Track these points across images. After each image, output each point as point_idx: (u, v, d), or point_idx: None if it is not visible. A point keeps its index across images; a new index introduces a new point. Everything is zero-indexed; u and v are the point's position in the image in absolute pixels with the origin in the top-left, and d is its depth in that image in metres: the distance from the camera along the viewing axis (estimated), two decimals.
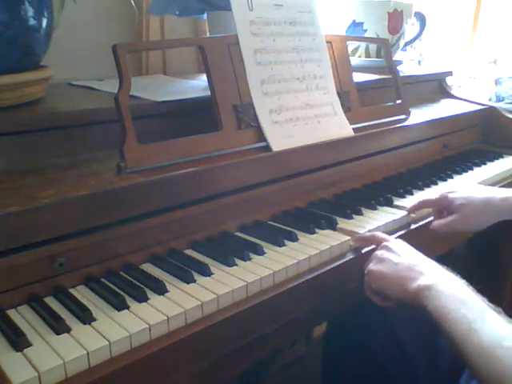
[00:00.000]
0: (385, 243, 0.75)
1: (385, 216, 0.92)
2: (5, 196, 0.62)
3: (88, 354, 0.53)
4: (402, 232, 0.90)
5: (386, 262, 0.71)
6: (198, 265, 0.71)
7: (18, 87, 0.76)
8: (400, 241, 0.76)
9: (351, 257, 0.79)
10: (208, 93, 0.85)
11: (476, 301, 0.60)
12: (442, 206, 0.89)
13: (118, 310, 0.61)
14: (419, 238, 0.89)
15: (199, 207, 0.77)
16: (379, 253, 0.73)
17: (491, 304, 0.60)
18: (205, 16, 1.17)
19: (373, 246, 0.80)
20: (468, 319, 0.57)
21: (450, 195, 0.87)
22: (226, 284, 0.67)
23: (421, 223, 0.94)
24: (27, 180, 0.67)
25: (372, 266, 0.73)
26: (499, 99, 1.76)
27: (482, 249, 1.43)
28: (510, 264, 1.43)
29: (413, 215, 0.93)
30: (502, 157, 1.36)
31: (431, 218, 0.93)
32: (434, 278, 0.64)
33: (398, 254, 0.71)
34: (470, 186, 0.91)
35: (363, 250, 0.81)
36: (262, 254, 0.76)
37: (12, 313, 0.61)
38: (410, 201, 0.99)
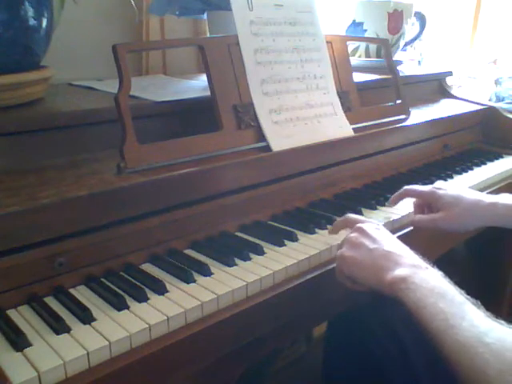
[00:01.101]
0: (359, 225, 0.72)
1: (385, 216, 0.92)
2: (5, 196, 0.62)
3: (88, 354, 0.53)
4: (402, 232, 0.90)
5: (360, 247, 0.67)
6: (198, 265, 0.71)
7: (18, 87, 0.76)
8: (375, 223, 0.74)
9: None
10: (208, 93, 0.85)
11: (454, 294, 0.58)
12: (427, 201, 0.87)
13: (118, 310, 0.61)
14: (418, 239, 0.89)
15: (199, 207, 0.77)
16: (353, 236, 0.70)
17: (469, 297, 0.58)
18: (205, 16, 1.17)
19: None
20: (446, 314, 0.55)
21: (439, 192, 0.85)
22: (225, 284, 0.67)
23: None
24: (27, 180, 0.67)
25: (345, 251, 0.69)
26: (499, 99, 1.76)
27: (481, 249, 1.43)
28: (511, 264, 1.43)
29: (395, 206, 0.92)
30: (502, 157, 1.36)
31: None
32: (410, 269, 0.61)
33: (373, 239, 0.68)
34: (459, 187, 0.90)
35: None
36: (262, 254, 0.76)
37: (12, 313, 0.60)
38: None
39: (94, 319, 0.59)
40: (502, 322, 0.54)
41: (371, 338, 0.86)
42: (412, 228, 0.91)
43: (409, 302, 0.59)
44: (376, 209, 0.95)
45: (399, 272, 0.62)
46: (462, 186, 0.92)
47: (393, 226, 0.90)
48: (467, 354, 0.51)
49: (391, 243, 0.68)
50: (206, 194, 0.78)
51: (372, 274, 0.65)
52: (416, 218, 0.86)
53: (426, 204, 0.88)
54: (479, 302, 0.57)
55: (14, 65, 0.76)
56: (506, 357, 0.49)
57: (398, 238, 0.87)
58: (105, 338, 0.56)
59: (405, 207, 0.94)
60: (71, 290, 0.66)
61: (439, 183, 0.90)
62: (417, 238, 0.89)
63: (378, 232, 0.70)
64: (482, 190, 1.14)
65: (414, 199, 0.92)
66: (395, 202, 0.91)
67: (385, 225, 0.89)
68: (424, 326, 0.56)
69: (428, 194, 0.87)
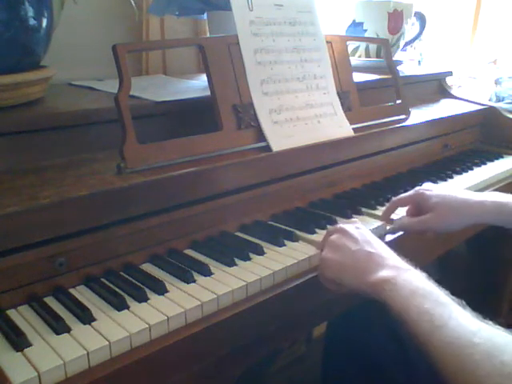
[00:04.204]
0: (340, 225, 0.72)
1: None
2: (5, 196, 0.62)
3: (88, 354, 0.53)
4: (402, 232, 0.90)
5: (342, 249, 0.67)
6: (198, 265, 0.71)
7: (18, 87, 0.76)
8: (357, 224, 0.73)
9: None
10: (208, 93, 0.85)
11: (439, 295, 0.57)
12: (417, 203, 0.87)
13: (118, 310, 0.61)
14: (418, 239, 0.89)
15: (199, 207, 0.77)
16: (335, 237, 0.70)
17: (455, 298, 0.58)
18: (205, 16, 1.17)
19: None
20: (432, 315, 0.55)
21: (426, 193, 0.85)
22: (226, 284, 0.67)
23: None
24: (27, 180, 0.67)
25: (327, 254, 0.69)
26: (499, 99, 1.75)
27: (482, 249, 1.43)
28: (511, 264, 1.43)
29: (388, 227, 0.89)
30: (502, 157, 1.36)
31: None
32: (393, 271, 0.61)
33: (355, 240, 0.68)
34: (446, 187, 0.90)
35: None
36: (262, 254, 0.76)
37: (12, 313, 0.61)
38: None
39: (94, 319, 0.59)
40: (490, 322, 0.53)
41: (371, 338, 0.86)
42: None
43: (393, 304, 0.58)
44: (376, 209, 0.95)
45: (382, 273, 0.62)
46: (450, 186, 0.92)
47: (393, 226, 0.90)
48: (455, 355, 0.51)
49: (373, 244, 0.68)
50: (206, 194, 0.78)
51: (354, 276, 0.65)
52: (405, 221, 0.86)
53: (417, 208, 0.87)
54: (464, 302, 0.57)
55: (14, 65, 0.76)
56: (496, 357, 0.49)
57: (399, 238, 0.88)
58: (105, 338, 0.56)
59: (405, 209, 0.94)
60: (71, 290, 0.66)
61: (426, 185, 0.90)
62: (417, 237, 0.89)
63: (360, 232, 0.70)
64: (481, 190, 1.14)
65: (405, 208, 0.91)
66: (387, 217, 0.90)
67: (385, 224, 0.89)
68: (409, 327, 0.56)
69: (416, 195, 0.87)
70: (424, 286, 0.59)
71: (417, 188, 0.88)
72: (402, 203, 0.90)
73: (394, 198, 0.91)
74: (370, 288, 0.62)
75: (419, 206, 0.86)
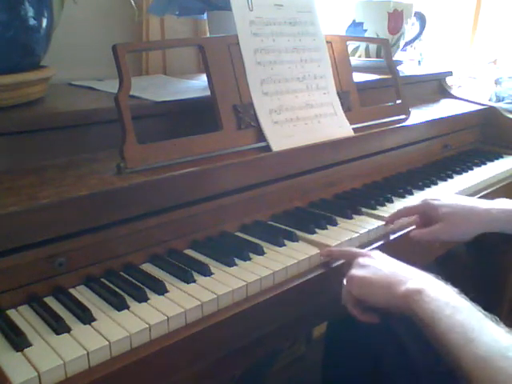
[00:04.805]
0: (366, 252, 0.73)
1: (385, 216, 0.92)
2: (5, 196, 0.62)
3: (88, 354, 0.53)
4: (402, 232, 0.90)
5: (370, 267, 0.68)
6: (198, 265, 0.71)
7: (18, 87, 0.76)
8: (379, 252, 0.74)
9: None
10: (208, 93, 0.85)
11: (471, 309, 0.57)
12: (425, 213, 0.86)
13: (118, 310, 0.61)
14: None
15: (199, 207, 0.77)
16: (361, 260, 0.71)
17: (488, 313, 0.57)
18: (205, 16, 1.17)
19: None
20: (464, 327, 0.54)
21: (435, 202, 0.84)
22: (226, 284, 0.67)
23: None
24: (27, 180, 0.67)
25: (354, 272, 0.69)
26: (499, 99, 1.75)
27: (481, 249, 1.43)
28: (511, 264, 1.43)
29: (391, 226, 0.89)
30: (502, 157, 1.37)
31: None
32: (424, 283, 0.61)
33: (380, 261, 0.69)
34: (452, 195, 0.89)
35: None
36: (262, 254, 0.76)
37: (12, 313, 0.61)
38: (410, 201, 0.99)
39: (94, 319, 0.59)
40: None
41: (371, 338, 0.86)
42: (412, 227, 0.91)
43: (423, 314, 0.58)
44: (376, 209, 0.95)
45: (413, 285, 0.62)
46: (455, 194, 0.91)
47: (393, 227, 0.90)
48: (488, 369, 0.50)
49: (399, 264, 0.68)
50: (206, 194, 0.78)
51: (384, 290, 0.65)
52: (414, 232, 0.85)
53: (424, 218, 0.87)
54: (497, 319, 0.56)
55: (14, 65, 0.76)
56: None
57: (398, 238, 0.88)
58: (105, 338, 0.56)
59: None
60: (71, 290, 0.66)
61: (432, 195, 0.89)
62: None
63: (385, 257, 0.71)
64: (481, 190, 1.14)
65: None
66: (392, 222, 0.90)
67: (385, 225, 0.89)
68: (440, 339, 0.56)
69: (424, 205, 0.86)
70: (456, 299, 0.59)
71: (424, 198, 0.87)
72: (408, 213, 0.89)
73: (400, 208, 0.90)
74: (399, 299, 0.62)
75: (426, 216, 0.86)
